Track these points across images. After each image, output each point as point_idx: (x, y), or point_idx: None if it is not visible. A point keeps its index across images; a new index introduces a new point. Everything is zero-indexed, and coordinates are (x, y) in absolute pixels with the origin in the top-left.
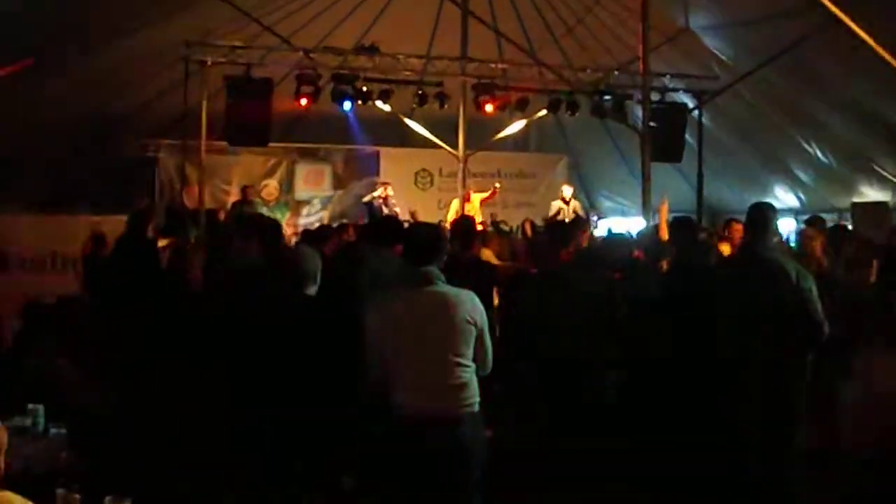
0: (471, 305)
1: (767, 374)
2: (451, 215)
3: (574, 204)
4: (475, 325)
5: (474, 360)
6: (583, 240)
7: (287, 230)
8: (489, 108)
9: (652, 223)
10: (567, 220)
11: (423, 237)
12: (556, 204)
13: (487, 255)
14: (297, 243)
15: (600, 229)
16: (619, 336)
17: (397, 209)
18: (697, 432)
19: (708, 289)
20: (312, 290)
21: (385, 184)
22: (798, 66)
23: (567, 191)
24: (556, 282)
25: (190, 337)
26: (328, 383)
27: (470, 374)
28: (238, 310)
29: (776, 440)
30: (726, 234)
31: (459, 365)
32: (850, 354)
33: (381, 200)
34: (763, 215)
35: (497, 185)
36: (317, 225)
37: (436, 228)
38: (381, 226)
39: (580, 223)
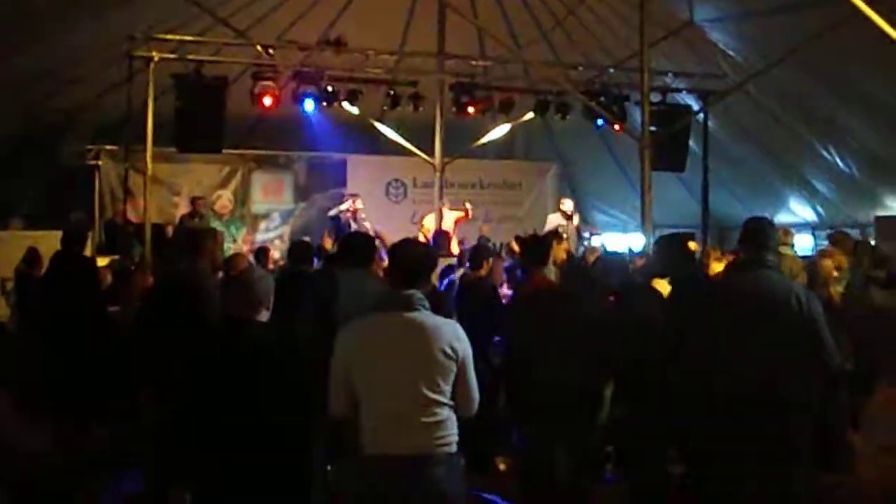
0: (451, 335)
1: (765, 411)
2: (426, 231)
3: (577, 220)
4: (455, 358)
5: (453, 398)
6: (558, 254)
7: (243, 247)
8: (470, 110)
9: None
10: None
11: (409, 257)
12: (554, 218)
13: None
14: (249, 264)
15: (594, 247)
16: (617, 368)
17: (367, 224)
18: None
19: (715, 309)
20: (264, 316)
21: (353, 196)
22: (816, 63)
23: (568, 204)
24: (541, 309)
25: (126, 369)
26: (283, 421)
27: (448, 412)
28: (183, 338)
29: (774, 491)
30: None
31: (436, 402)
32: (864, 391)
33: (349, 214)
34: (759, 228)
35: (468, 205)
36: (276, 242)
37: (424, 248)
38: (351, 244)
39: (553, 236)
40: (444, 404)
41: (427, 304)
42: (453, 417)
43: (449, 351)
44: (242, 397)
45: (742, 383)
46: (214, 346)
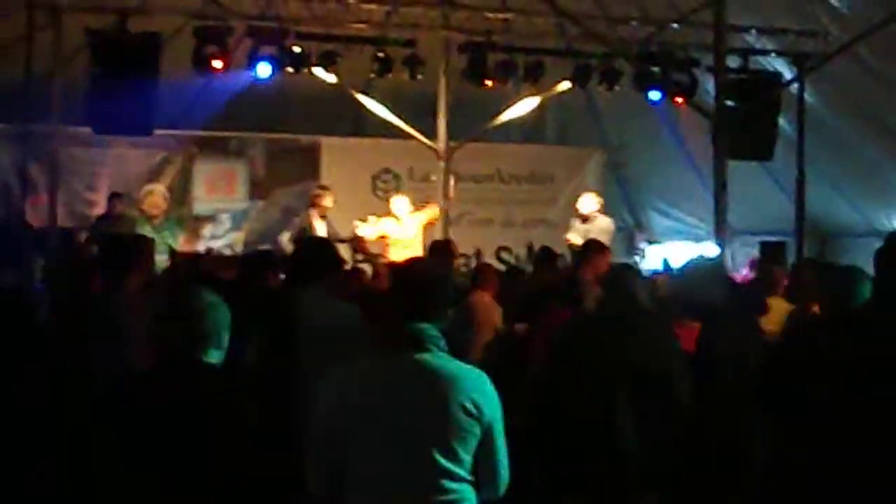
0: (475, 388)
1: None
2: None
3: (602, 223)
4: (479, 417)
5: (475, 472)
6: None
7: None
8: (486, 81)
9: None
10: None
11: (420, 280)
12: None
13: (486, 301)
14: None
15: (650, 260)
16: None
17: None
18: None
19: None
20: (215, 356)
21: (321, 189)
22: None
23: (588, 203)
24: (585, 346)
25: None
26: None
27: (463, 490)
28: (100, 380)
29: None
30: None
31: (448, 473)
32: None
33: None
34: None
35: (434, 206)
36: (226, 252)
37: (437, 268)
38: (305, 254)
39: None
40: (464, 480)
41: (444, 344)
42: (474, 500)
43: (471, 408)
44: (178, 472)
45: None
46: (144, 397)
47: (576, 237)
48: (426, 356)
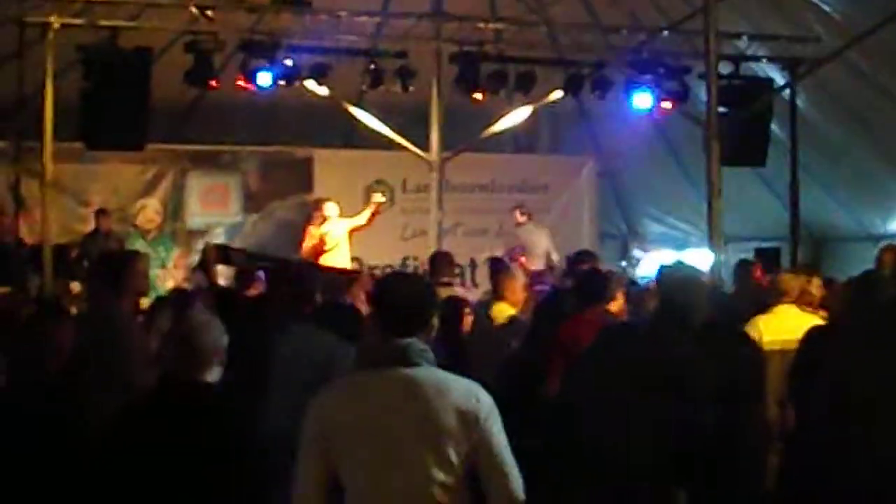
0: (467, 394)
1: None
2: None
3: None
4: (474, 424)
5: (483, 484)
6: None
7: (176, 274)
8: (476, 94)
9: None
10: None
11: (404, 295)
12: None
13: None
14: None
15: (645, 268)
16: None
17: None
18: None
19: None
20: (213, 375)
21: (319, 203)
22: None
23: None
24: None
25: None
26: None
27: (462, 502)
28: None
29: None
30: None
31: (445, 485)
32: None
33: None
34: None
35: (380, 197)
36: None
37: (420, 282)
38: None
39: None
40: (462, 490)
41: (431, 357)
42: None
43: (464, 417)
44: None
45: None
46: (140, 418)
47: None
48: (416, 370)
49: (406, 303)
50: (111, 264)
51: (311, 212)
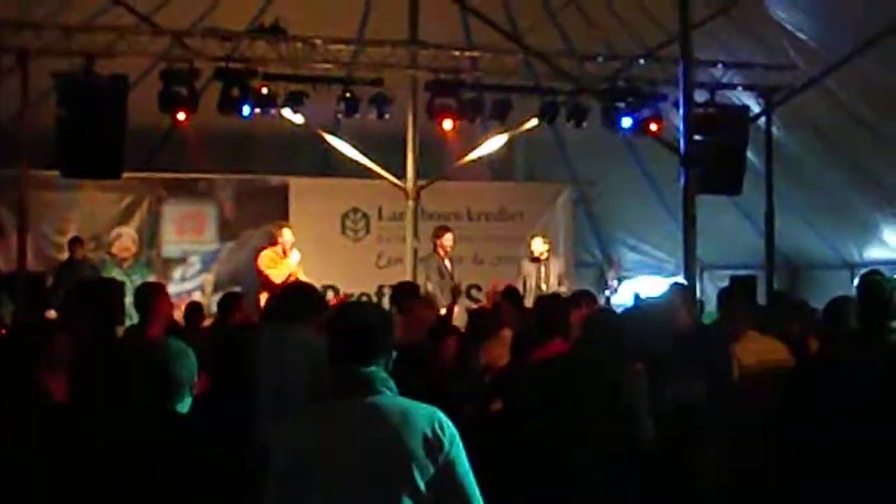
0: (431, 421)
1: None
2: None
3: (553, 267)
4: (438, 450)
5: None
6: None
7: None
8: (446, 124)
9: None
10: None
11: (361, 323)
12: (525, 267)
13: None
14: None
15: (620, 296)
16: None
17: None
18: None
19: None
20: (183, 405)
21: (280, 225)
22: None
23: (539, 245)
24: (543, 381)
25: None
26: None
27: None
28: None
29: None
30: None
31: None
32: None
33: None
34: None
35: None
36: (196, 294)
37: (377, 310)
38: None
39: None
40: None
41: (392, 385)
42: None
43: (429, 442)
44: None
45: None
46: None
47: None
48: (378, 398)
49: (363, 331)
50: (84, 292)
51: (274, 237)
